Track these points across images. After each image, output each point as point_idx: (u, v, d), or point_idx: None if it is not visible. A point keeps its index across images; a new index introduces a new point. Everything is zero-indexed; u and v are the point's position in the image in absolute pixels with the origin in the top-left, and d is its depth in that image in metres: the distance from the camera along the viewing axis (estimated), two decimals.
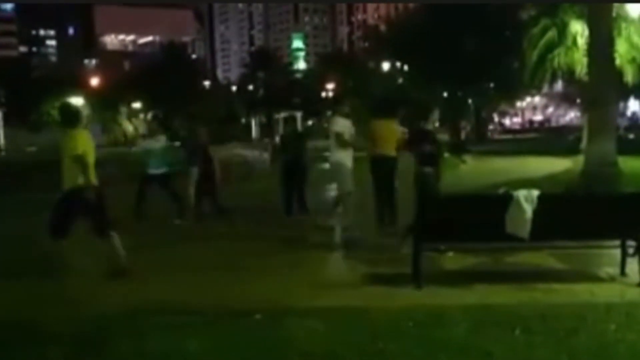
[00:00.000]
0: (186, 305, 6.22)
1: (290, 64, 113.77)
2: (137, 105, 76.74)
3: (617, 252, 6.93)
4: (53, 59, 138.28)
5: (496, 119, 76.62)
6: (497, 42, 35.92)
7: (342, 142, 10.27)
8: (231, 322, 5.69)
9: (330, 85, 60.56)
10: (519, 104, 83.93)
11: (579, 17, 20.64)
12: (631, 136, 47.66)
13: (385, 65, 51.64)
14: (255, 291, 6.78)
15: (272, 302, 6.27)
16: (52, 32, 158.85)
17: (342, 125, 10.44)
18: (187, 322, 5.69)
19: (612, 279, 6.84)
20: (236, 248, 9.24)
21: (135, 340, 5.28)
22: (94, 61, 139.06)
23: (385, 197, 10.22)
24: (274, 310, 5.93)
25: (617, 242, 6.90)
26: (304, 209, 11.90)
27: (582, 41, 20.71)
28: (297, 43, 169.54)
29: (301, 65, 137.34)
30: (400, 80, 50.56)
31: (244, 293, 6.72)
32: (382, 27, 52.75)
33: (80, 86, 65.73)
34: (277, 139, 10.26)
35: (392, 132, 10.28)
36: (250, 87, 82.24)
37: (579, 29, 21.26)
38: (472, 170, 19.22)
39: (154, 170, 11.85)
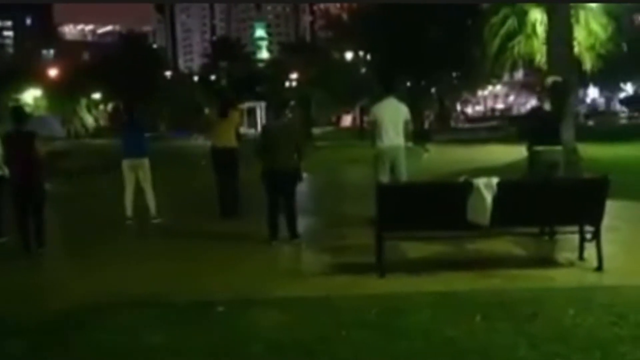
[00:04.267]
0: (147, 298, 6.16)
1: (253, 53, 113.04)
2: (97, 96, 75.55)
3: (576, 238, 7.03)
4: (10, 50, 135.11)
5: (459, 107, 77.19)
6: (459, 31, 36.12)
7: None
8: (194, 313, 5.65)
9: (293, 75, 60.10)
10: (480, 92, 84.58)
11: (538, 5, 20.81)
12: (590, 123, 48.53)
13: (349, 55, 51.53)
14: (217, 283, 6.73)
15: (234, 293, 6.24)
16: (9, 23, 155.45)
17: None
18: (150, 315, 5.64)
19: (570, 264, 6.94)
20: (195, 242, 9.13)
21: (97, 334, 5.22)
22: (52, 51, 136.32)
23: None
24: (236, 302, 5.91)
25: (576, 228, 7.01)
26: (295, 234, 8.62)
27: (541, 29, 20.85)
28: (260, 32, 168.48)
29: (264, 54, 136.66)
30: (363, 70, 50.61)
31: (206, 285, 6.67)
32: (345, 16, 52.69)
33: (38, 77, 64.42)
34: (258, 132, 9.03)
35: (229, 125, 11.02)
36: (213, 77, 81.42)
37: (538, 17, 21.39)
38: (435, 159, 19.33)
39: None
